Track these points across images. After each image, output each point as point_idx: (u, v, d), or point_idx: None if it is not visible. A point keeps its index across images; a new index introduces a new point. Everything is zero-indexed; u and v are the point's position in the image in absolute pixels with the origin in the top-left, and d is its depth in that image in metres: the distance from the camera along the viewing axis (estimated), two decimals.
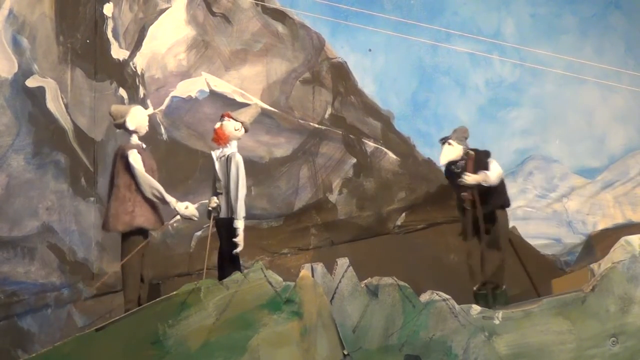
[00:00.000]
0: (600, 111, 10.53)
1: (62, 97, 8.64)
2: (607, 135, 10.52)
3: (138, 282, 6.43)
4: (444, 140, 7.26)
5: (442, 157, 7.21)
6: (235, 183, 6.49)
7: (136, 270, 6.40)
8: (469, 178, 7.00)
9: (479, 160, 7.16)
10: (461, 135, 7.29)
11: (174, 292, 5.77)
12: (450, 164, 7.21)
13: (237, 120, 6.65)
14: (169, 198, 6.41)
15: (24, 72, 8.52)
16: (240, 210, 6.47)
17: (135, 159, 6.37)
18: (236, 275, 5.86)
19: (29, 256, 8.37)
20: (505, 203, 7.36)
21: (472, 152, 7.14)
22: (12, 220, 8.32)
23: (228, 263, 6.45)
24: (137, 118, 6.57)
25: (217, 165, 6.59)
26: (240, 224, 6.48)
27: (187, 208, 6.49)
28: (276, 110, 9.36)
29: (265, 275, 5.89)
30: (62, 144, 8.58)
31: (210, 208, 6.57)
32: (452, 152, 7.18)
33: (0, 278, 8.22)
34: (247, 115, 6.76)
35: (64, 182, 8.55)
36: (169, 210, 6.64)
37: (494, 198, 7.15)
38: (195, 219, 6.62)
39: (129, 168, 6.37)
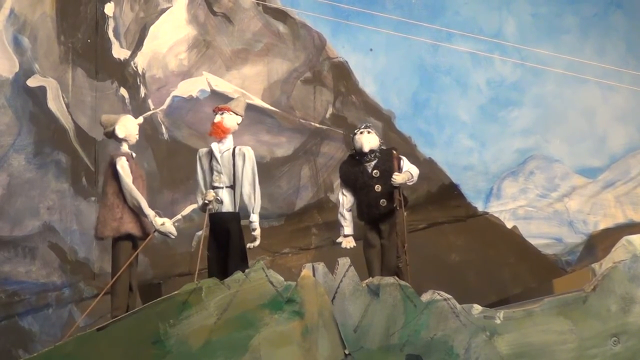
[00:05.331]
0: (602, 111, 10.53)
1: (63, 97, 8.65)
2: (608, 135, 10.52)
3: (127, 290, 6.43)
4: (361, 130, 6.93)
5: (366, 144, 6.82)
6: (251, 178, 6.48)
7: (124, 278, 6.42)
8: (398, 178, 6.70)
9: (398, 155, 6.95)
10: (373, 126, 7.16)
11: (175, 292, 5.77)
12: (366, 154, 6.89)
13: (237, 114, 6.65)
14: (147, 211, 6.39)
15: (25, 72, 8.53)
16: (257, 204, 6.47)
17: (122, 166, 6.41)
18: (237, 275, 5.86)
19: (30, 256, 8.38)
20: (406, 201, 7.03)
21: (395, 152, 6.92)
22: (13, 219, 8.33)
23: (238, 259, 6.40)
24: (127, 127, 6.59)
25: (219, 159, 6.54)
26: (257, 218, 6.47)
27: (163, 224, 6.46)
28: (277, 110, 9.37)
29: (266, 275, 5.89)
30: (63, 143, 8.59)
31: (206, 201, 6.45)
32: (374, 140, 6.89)
33: (1, 278, 8.24)
34: (242, 108, 6.77)
35: (65, 182, 8.56)
36: (169, 215, 6.63)
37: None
38: (172, 237, 6.51)
39: (117, 175, 6.40)
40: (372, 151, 6.89)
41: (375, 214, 6.87)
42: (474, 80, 10.18)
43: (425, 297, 6.19)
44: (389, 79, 9.87)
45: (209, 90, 9.16)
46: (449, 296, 6.23)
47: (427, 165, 9.74)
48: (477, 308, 6.31)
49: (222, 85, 9.21)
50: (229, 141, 6.56)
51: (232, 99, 9.03)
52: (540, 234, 10.07)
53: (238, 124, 6.64)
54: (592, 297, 6.46)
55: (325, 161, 9.42)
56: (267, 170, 9.19)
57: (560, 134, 10.37)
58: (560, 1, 10.53)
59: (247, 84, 9.28)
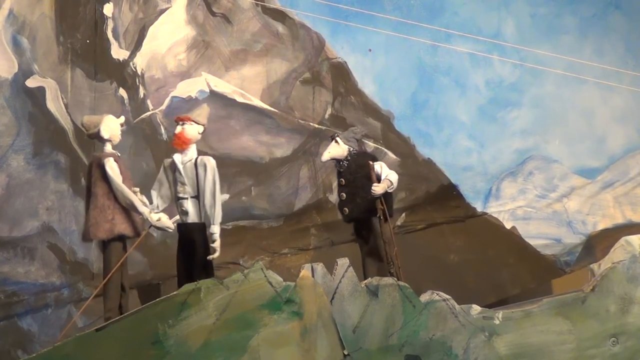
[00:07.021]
0: (600, 111, 10.53)
1: (62, 97, 8.64)
2: (607, 136, 10.53)
3: (118, 291, 6.44)
4: (332, 137, 7.08)
5: (325, 154, 7.03)
6: (212, 188, 6.44)
7: (116, 280, 6.42)
8: (378, 188, 6.77)
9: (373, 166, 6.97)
10: (350, 135, 7.15)
11: (174, 292, 5.78)
12: (337, 162, 7.04)
13: (199, 124, 6.65)
14: (141, 208, 6.41)
15: (24, 72, 8.52)
16: (218, 215, 6.44)
17: (112, 167, 6.41)
18: (236, 275, 5.87)
19: (29, 256, 8.37)
20: (390, 211, 7.06)
21: (371, 163, 6.95)
22: (12, 220, 8.32)
23: (200, 269, 6.39)
24: (111, 127, 6.60)
25: (182, 170, 6.50)
26: (217, 229, 6.45)
27: (159, 220, 6.47)
28: (276, 111, 9.36)
29: (265, 275, 5.89)
30: (62, 144, 8.58)
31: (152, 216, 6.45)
32: (336, 150, 7.00)
33: (0, 278, 8.23)
34: (204, 117, 6.77)
35: (64, 182, 8.56)
36: (168, 215, 6.63)
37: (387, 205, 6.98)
38: (170, 231, 6.56)
39: (106, 176, 6.41)
40: (337, 160, 6.98)
41: (343, 220, 7.01)
42: (473, 81, 10.19)
43: (424, 297, 6.20)
44: (388, 80, 9.87)
45: (208, 90, 9.16)
46: (448, 297, 6.25)
47: (426, 166, 9.76)
48: (475, 308, 6.32)
49: (221, 85, 9.20)
50: (191, 151, 6.56)
51: (230, 99, 9.12)
52: (539, 234, 10.08)
53: (200, 133, 6.65)
54: (591, 297, 6.47)
55: (324, 162, 9.40)
56: (266, 170, 9.19)
57: (559, 135, 10.37)
58: (559, 2, 10.54)
59: (246, 84, 9.28)
